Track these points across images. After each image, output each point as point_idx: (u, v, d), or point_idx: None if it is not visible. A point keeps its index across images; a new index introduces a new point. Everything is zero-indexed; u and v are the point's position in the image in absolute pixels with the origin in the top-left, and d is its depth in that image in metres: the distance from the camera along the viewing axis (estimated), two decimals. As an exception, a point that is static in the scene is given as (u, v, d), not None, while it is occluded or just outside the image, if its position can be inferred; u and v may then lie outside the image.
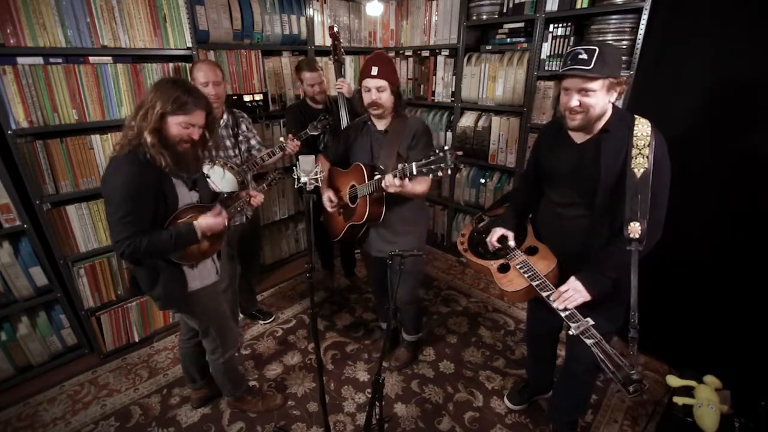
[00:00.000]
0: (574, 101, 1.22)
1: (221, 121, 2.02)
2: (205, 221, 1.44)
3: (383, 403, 1.66)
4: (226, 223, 1.53)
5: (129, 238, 1.30)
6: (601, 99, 1.21)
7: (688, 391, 1.67)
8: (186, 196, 1.46)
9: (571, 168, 1.36)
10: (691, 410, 1.61)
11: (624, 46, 2.03)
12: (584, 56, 1.17)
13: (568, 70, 1.20)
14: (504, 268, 1.53)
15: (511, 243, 1.51)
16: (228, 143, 2.06)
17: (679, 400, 1.65)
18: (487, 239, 1.57)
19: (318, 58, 2.86)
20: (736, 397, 1.67)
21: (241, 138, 2.12)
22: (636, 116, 1.27)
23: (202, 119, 1.39)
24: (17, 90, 1.75)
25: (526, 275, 1.41)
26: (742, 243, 1.81)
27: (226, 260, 1.79)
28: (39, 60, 1.81)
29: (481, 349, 2.35)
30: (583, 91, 1.20)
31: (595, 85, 1.18)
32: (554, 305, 1.31)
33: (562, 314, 1.29)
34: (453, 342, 2.41)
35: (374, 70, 1.65)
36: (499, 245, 1.54)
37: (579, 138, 1.34)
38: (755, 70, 1.69)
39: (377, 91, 1.67)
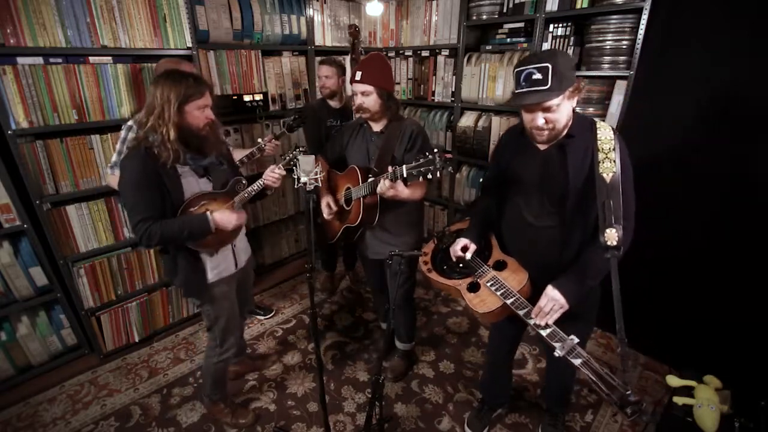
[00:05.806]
0: (540, 120, 1.19)
1: None
2: (220, 216, 1.45)
3: (383, 403, 1.66)
4: (243, 221, 1.55)
5: (142, 221, 1.36)
6: (565, 109, 1.18)
7: (688, 391, 1.67)
8: (194, 185, 1.47)
9: (538, 175, 1.31)
10: (691, 410, 1.61)
11: (624, 46, 2.03)
12: (539, 76, 1.12)
13: (527, 93, 1.15)
14: (474, 288, 1.40)
15: (467, 255, 1.43)
16: None
17: (679, 400, 1.65)
18: (451, 248, 1.48)
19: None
20: (736, 397, 1.66)
21: None
22: (596, 120, 1.25)
23: (210, 98, 1.43)
24: (17, 90, 1.75)
25: (498, 293, 1.31)
26: (742, 243, 1.81)
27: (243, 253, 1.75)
28: (39, 60, 1.81)
29: (481, 349, 2.35)
30: (547, 109, 1.17)
31: (557, 100, 1.14)
32: (534, 322, 1.23)
33: (543, 333, 1.19)
34: (453, 342, 2.41)
35: (358, 75, 1.65)
36: (463, 255, 1.44)
37: (542, 145, 1.30)
38: (755, 70, 1.68)
39: (362, 95, 1.68)
